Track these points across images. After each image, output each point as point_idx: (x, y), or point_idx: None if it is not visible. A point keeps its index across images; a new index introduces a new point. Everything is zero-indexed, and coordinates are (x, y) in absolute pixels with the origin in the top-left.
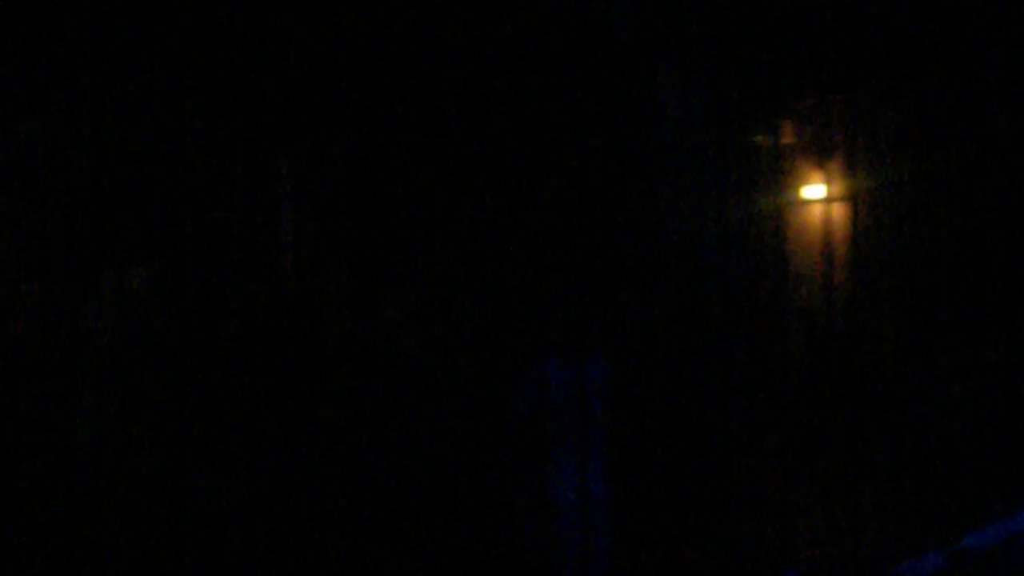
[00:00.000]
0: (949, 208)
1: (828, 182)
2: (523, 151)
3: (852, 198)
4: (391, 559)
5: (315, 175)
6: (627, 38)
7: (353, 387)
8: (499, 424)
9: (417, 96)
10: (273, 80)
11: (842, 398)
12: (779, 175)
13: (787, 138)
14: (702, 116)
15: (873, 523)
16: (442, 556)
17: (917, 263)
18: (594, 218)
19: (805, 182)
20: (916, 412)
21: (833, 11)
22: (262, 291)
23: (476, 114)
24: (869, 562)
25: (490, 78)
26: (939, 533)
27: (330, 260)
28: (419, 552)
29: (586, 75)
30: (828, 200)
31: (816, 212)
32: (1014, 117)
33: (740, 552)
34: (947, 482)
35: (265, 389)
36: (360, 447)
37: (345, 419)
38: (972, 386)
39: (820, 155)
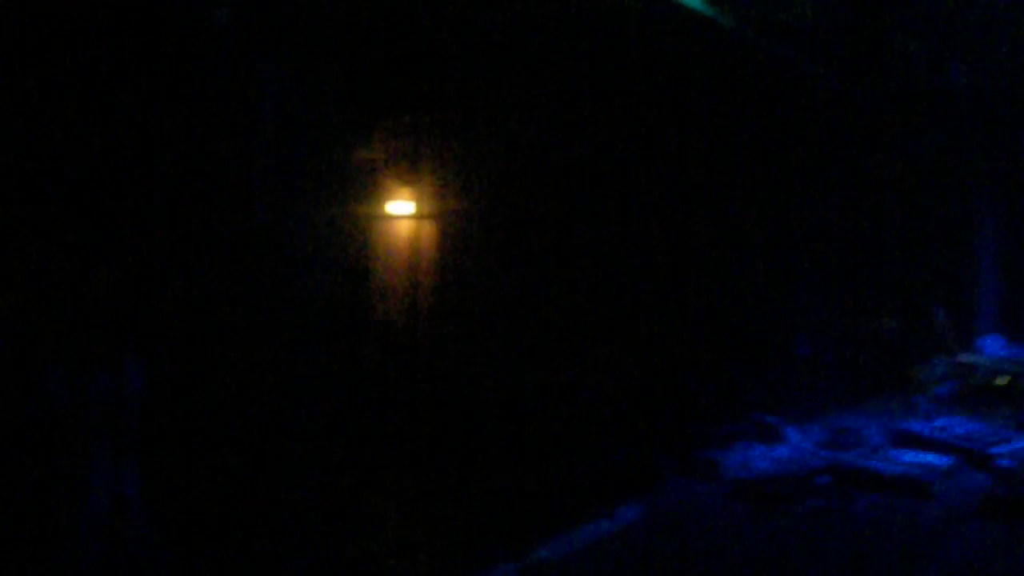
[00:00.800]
0: (531, 231)
1: (417, 199)
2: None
3: (440, 216)
4: None
5: None
6: (228, 25)
7: None
8: (37, 425)
9: None
10: None
11: (419, 411)
12: (371, 189)
13: (381, 153)
14: (299, 119)
15: (448, 536)
16: None
17: (502, 282)
18: (164, 217)
19: (394, 198)
20: (495, 425)
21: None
22: None
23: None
24: None
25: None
26: (512, 546)
27: None
28: None
29: (179, 57)
30: (417, 216)
31: (404, 228)
32: (587, 152)
33: (301, 561)
34: (522, 495)
35: None
36: None
37: None
38: (549, 401)
39: (411, 172)
